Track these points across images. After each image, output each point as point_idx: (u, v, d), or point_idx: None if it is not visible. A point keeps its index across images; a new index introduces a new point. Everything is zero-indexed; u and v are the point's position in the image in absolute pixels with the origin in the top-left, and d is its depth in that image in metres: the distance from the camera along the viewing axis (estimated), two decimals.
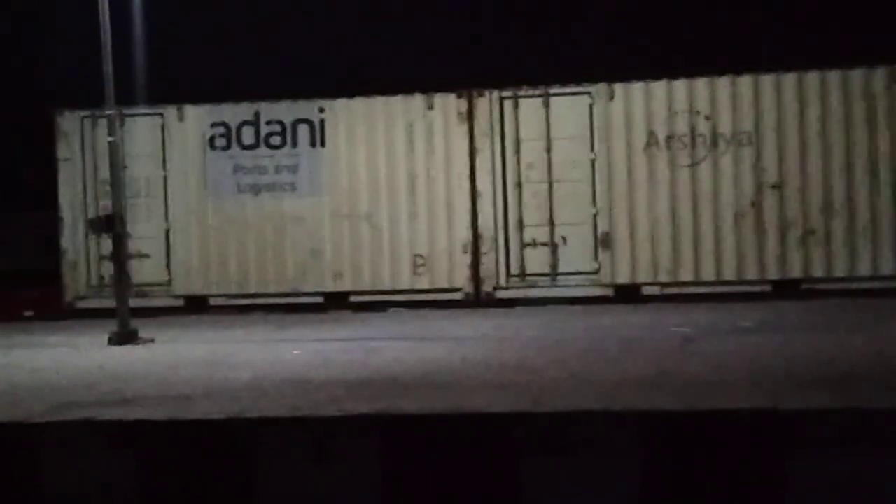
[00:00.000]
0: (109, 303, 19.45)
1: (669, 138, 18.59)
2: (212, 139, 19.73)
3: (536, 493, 8.63)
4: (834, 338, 13.06)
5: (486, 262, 18.97)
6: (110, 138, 16.52)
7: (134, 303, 19.43)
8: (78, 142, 20.03)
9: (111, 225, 16.21)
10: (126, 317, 15.86)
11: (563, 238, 18.84)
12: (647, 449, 8.55)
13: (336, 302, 19.26)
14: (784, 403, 8.86)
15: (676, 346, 13.12)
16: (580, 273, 18.73)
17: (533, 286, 18.82)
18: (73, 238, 20.01)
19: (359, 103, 19.44)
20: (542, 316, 17.27)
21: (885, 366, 10.81)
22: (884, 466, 8.33)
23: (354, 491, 8.55)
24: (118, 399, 10.13)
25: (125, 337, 15.51)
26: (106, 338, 15.47)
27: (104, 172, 19.82)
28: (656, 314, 16.51)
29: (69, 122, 20.05)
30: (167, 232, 19.79)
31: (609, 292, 18.57)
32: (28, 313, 20.39)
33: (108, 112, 16.29)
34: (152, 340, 15.53)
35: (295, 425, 8.75)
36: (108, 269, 19.84)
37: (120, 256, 16.24)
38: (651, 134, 18.62)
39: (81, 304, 19.91)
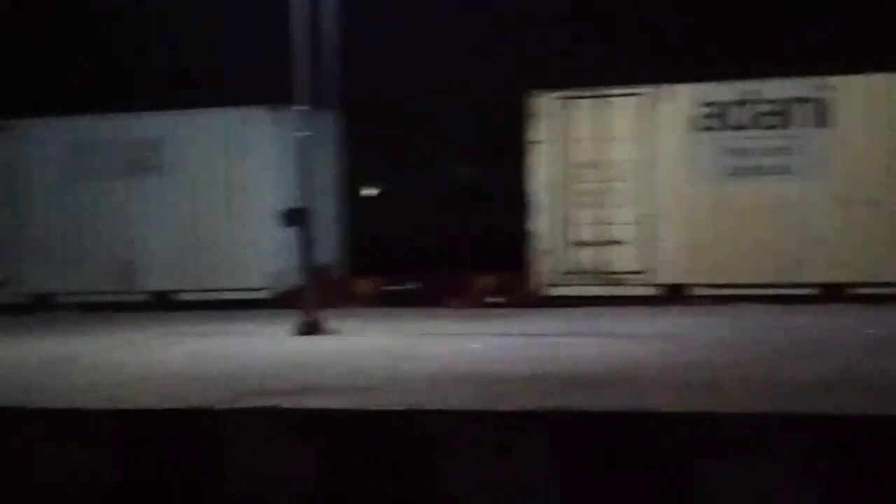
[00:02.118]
0: (583, 290, 19.02)
1: None
2: (698, 119, 18.74)
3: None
4: None
5: None
6: (300, 133, 16.18)
7: (608, 291, 18.93)
8: (552, 124, 19.48)
9: (300, 218, 16.14)
10: (311, 307, 15.67)
11: None
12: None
13: (833, 293, 17.80)
14: None
15: None
16: None
17: None
18: (545, 223, 19.46)
19: (876, 79, 17.91)
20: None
21: None
22: None
23: (530, 486, 8.40)
24: (301, 387, 10.21)
25: (310, 327, 15.42)
26: (291, 328, 15.42)
27: (579, 155, 19.36)
28: None
29: (544, 104, 19.53)
30: (645, 218, 18.96)
31: None
32: (495, 299, 19.94)
33: (300, 107, 15.97)
34: (337, 331, 15.38)
35: (472, 419, 8.72)
36: (583, 255, 19.26)
37: (308, 251, 16.13)
38: None
39: (553, 292, 19.29)
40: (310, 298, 15.87)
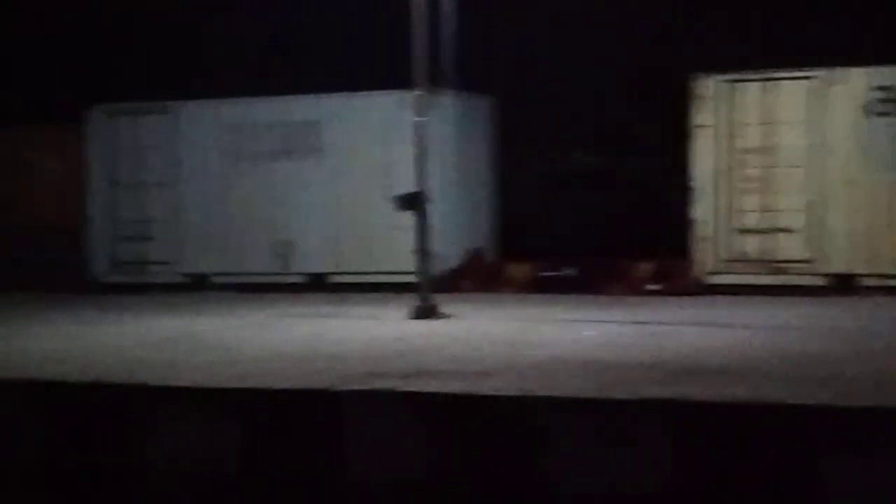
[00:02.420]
0: (746, 279, 18.48)
1: None
2: (872, 104, 17.97)
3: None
4: None
5: None
6: (418, 118, 16.24)
7: (772, 280, 18.37)
8: (718, 108, 18.92)
9: (416, 202, 16.15)
10: (427, 291, 15.79)
11: None
12: None
13: None
14: None
15: None
16: None
17: None
18: (705, 209, 18.90)
19: None
20: None
21: None
22: None
23: (641, 476, 8.33)
24: (415, 371, 10.28)
25: (425, 311, 15.56)
26: (408, 311, 15.61)
27: (746, 140, 18.81)
28: None
29: (710, 87, 18.97)
30: (814, 205, 18.30)
31: None
32: (653, 287, 19.49)
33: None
34: (451, 316, 15.46)
35: (585, 406, 8.72)
36: (747, 243, 18.72)
37: (423, 234, 16.13)
38: None
39: (715, 280, 18.76)
40: (427, 282, 15.92)
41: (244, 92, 21.95)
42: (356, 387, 9.45)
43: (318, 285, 20.94)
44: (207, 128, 21.90)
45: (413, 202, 16.30)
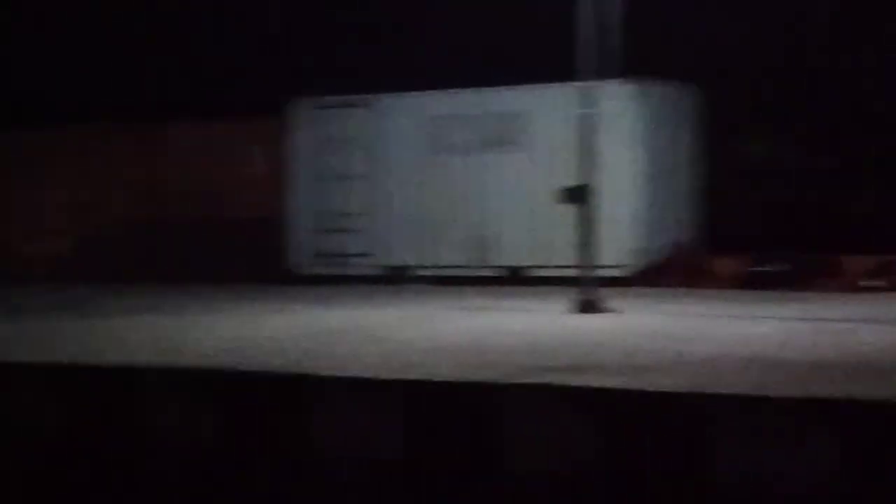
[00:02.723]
0: None
1: None
2: None
3: None
4: None
5: None
6: (585, 109, 15.76)
7: None
8: None
9: (581, 195, 15.81)
10: (591, 286, 15.51)
11: None
12: None
13: None
14: None
15: None
16: None
17: None
18: None
19: None
20: None
21: None
22: None
23: (807, 477, 7.89)
24: (574, 365, 10.09)
25: (588, 306, 15.28)
26: (570, 305, 15.36)
27: None
28: None
29: None
30: None
31: None
32: (872, 283, 18.34)
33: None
34: (614, 310, 15.11)
35: (750, 404, 8.27)
36: None
37: (587, 227, 15.83)
38: None
39: None
40: (588, 276, 15.55)
41: (436, 85, 21.72)
42: (517, 380, 9.22)
43: (516, 279, 20.59)
44: (408, 120, 21.81)
45: (577, 195, 15.81)
